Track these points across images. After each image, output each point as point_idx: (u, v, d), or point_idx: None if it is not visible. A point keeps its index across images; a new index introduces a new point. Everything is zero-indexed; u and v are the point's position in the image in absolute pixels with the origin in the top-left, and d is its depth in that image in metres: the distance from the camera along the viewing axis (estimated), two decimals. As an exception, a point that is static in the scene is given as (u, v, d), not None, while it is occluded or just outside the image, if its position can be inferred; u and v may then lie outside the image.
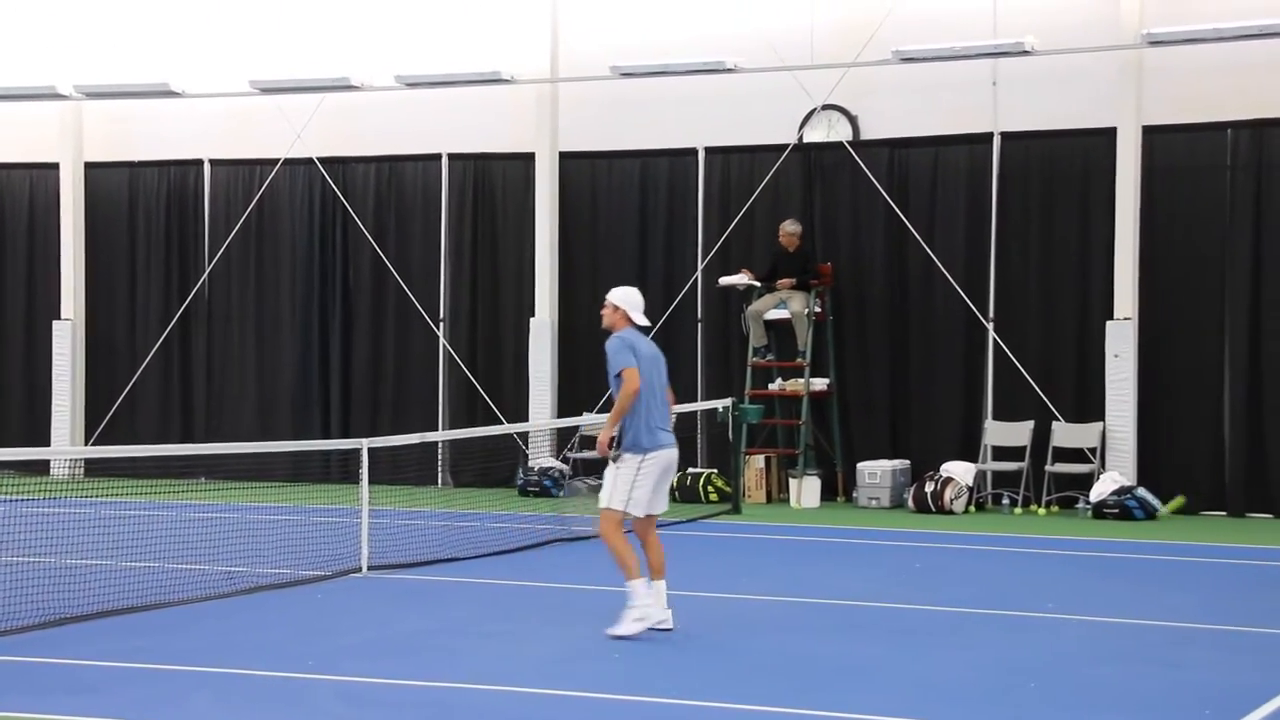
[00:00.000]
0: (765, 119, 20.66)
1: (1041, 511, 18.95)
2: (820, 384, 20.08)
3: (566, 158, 21.62)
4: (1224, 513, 18.80)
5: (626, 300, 11.36)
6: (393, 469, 18.78)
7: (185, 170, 23.34)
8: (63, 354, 23.35)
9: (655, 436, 11.05)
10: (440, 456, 21.17)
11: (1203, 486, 18.97)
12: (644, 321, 11.42)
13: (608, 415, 11.28)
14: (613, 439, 11.26)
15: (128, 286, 23.54)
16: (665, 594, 11.07)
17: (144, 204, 23.52)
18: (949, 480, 18.88)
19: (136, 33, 23.31)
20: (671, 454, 11.18)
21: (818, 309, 20.03)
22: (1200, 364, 19.05)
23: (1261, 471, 18.74)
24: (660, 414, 11.16)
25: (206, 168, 23.28)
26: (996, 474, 19.52)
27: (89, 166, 23.67)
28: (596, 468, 20.45)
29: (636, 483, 10.97)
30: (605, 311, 11.41)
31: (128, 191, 23.57)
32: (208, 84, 22.71)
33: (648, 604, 10.77)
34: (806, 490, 19.50)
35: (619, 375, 11.01)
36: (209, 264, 23.06)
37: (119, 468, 20.10)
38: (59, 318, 23.47)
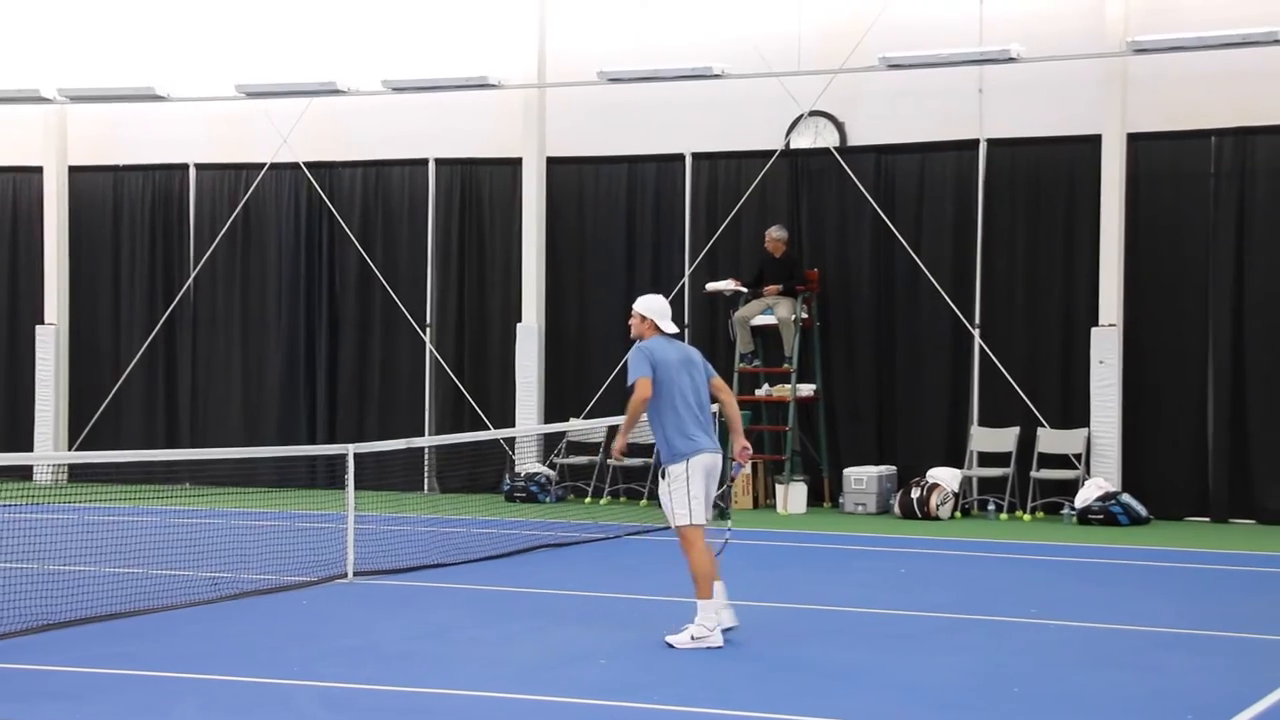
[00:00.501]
0: (752, 125, 20.67)
1: (1026, 517, 18.97)
2: (807, 390, 20.09)
3: (554, 163, 21.61)
4: (1207, 519, 18.83)
5: (652, 308, 11.33)
6: (379, 474, 18.75)
7: (170, 174, 23.30)
8: (46, 358, 23.29)
9: (692, 441, 10.99)
10: (426, 462, 21.16)
11: (1186, 492, 19.00)
12: (672, 329, 11.34)
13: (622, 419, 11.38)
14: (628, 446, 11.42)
15: (112, 291, 23.48)
16: (723, 592, 11.02)
17: (129, 208, 23.47)
18: (935, 486, 18.90)
19: (122, 36, 23.27)
20: (712, 458, 11.07)
21: (804, 315, 20.04)
22: (1184, 370, 19.08)
23: (1244, 477, 18.77)
24: (695, 418, 11.06)
25: (192, 172, 23.24)
26: (982, 480, 19.53)
27: (73, 170, 23.62)
28: (586, 474, 20.52)
29: (691, 492, 10.91)
30: (633, 321, 11.34)
31: (112, 195, 23.52)
32: (193, 88, 22.69)
33: (710, 627, 10.73)
34: (793, 496, 19.50)
35: (642, 370, 11.01)
36: (194, 269, 23.02)
37: (103, 473, 20.06)
38: (42, 322, 23.41)
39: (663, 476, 11.10)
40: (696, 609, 10.78)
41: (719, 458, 11.20)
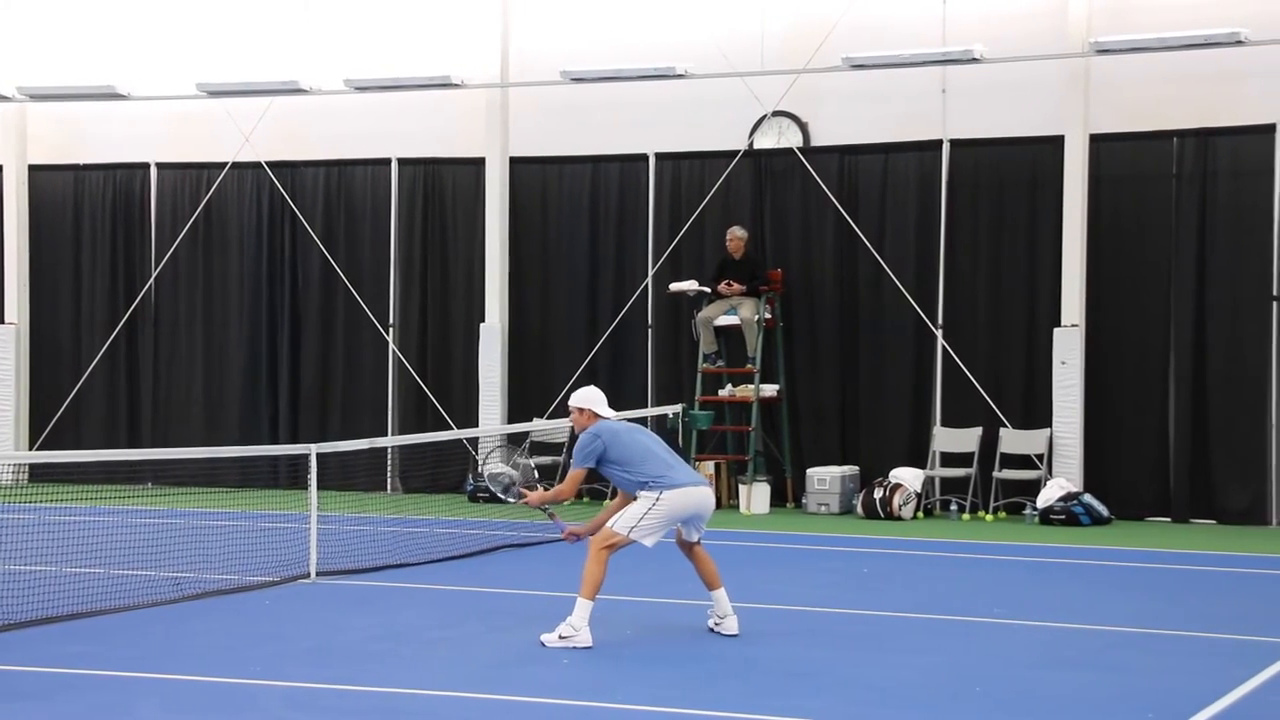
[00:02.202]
0: (716, 125, 20.69)
1: (989, 517, 19.04)
2: (770, 390, 20.12)
3: (517, 163, 21.59)
4: (1168, 519, 18.93)
5: (589, 398, 11.46)
6: (342, 474, 18.71)
7: (131, 173, 23.19)
8: (6, 358, 23.15)
9: (669, 477, 11.04)
10: (389, 462, 21.08)
11: (1148, 493, 19.10)
12: (611, 414, 11.49)
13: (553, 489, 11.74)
14: (545, 508, 11.68)
15: (73, 290, 23.36)
16: (726, 600, 11.23)
17: (89, 207, 23.34)
18: (897, 486, 18.95)
19: (82, 34, 23.14)
20: (696, 494, 11.10)
21: (768, 315, 20.06)
22: (1146, 371, 19.17)
23: (1205, 478, 18.86)
24: (664, 460, 11.15)
25: (153, 171, 23.14)
26: (944, 480, 19.59)
27: (33, 169, 23.48)
28: (550, 474, 20.47)
29: (648, 514, 10.94)
30: (573, 417, 11.48)
31: (73, 194, 23.39)
32: (154, 87, 22.58)
33: (585, 628, 10.76)
34: (756, 496, 19.53)
35: (584, 461, 11.15)
36: (155, 268, 22.92)
37: (64, 473, 19.95)
38: (3, 321, 23.27)
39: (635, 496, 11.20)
40: (575, 605, 10.80)
41: (705, 491, 11.26)
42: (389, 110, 22.02)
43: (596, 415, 11.37)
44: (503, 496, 12.33)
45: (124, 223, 23.20)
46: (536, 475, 12.73)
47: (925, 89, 19.88)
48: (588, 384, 11.96)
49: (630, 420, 12.04)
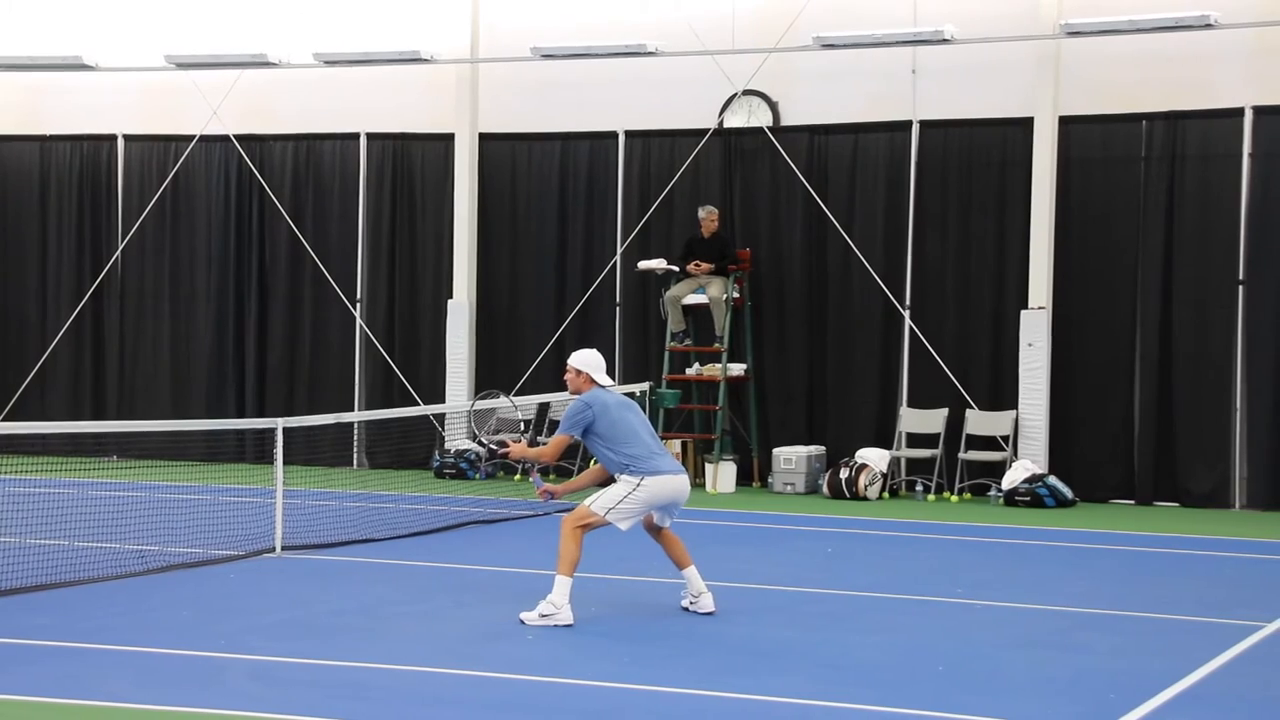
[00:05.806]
0: (686, 103, 20.67)
1: (954, 498, 19.10)
2: (737, 369, 20.14)
3: (486, 139, 21.54)
4: (1132, 501, 19.02)
5: (588, 363, 11.41)
6: (308, 449, 18.67)
7: (98, 145, 23.05)
8: (-29, 330, 23.07)
9: (651, 463, 11.03)
10: (356, 437, 21.09)
11: (1112, 475, 19.18)
12: (608, 382, 11.45)
13: (535, 449, 11.65)
14: (526, 464, 11.54)
15: (39, 262, 23.22)
16: (698, 578, 11.23)
17: (56, 179, 23.19)
18: (863, 466, 18.99)
19: (49, 3, 22.99)
20: (672, 481, 11.08)
21: (736, 294, 20.07)
22: (1112, 354, 19.24)
23: (1169, 461, 18.94)
24: (649, 446, 11.13)
25: (120, 143, 23.00)
26: (910, 461, 19.65)
27: (-1, 139, 23.40)
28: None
29: (627, 499, 10.94)
30: (568, 376, 11.44)
31: (39, 166, 23.23)
32: (122, 58, 22.44)
33: (565, 605, 10.74)
34: (722, 475, 19.56)
35: (571, 428, 11.14)
36: (122, 241, 22.80)
37: (29, 445, 19.85)
38: (-33, 293, 23.18)
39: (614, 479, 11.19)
40: (554, 583, 10.80)
41: (684, 479, 11.25)
42: (358, 85, 21.94)
43: (593, 381, 11.33)
44: (485, 442, 12.28)
45: (90, 194, 23.07)
46: (522, 426, 12.70)
47: (896, 69, 19.89)
48: (559, 358, 11.91)
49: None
